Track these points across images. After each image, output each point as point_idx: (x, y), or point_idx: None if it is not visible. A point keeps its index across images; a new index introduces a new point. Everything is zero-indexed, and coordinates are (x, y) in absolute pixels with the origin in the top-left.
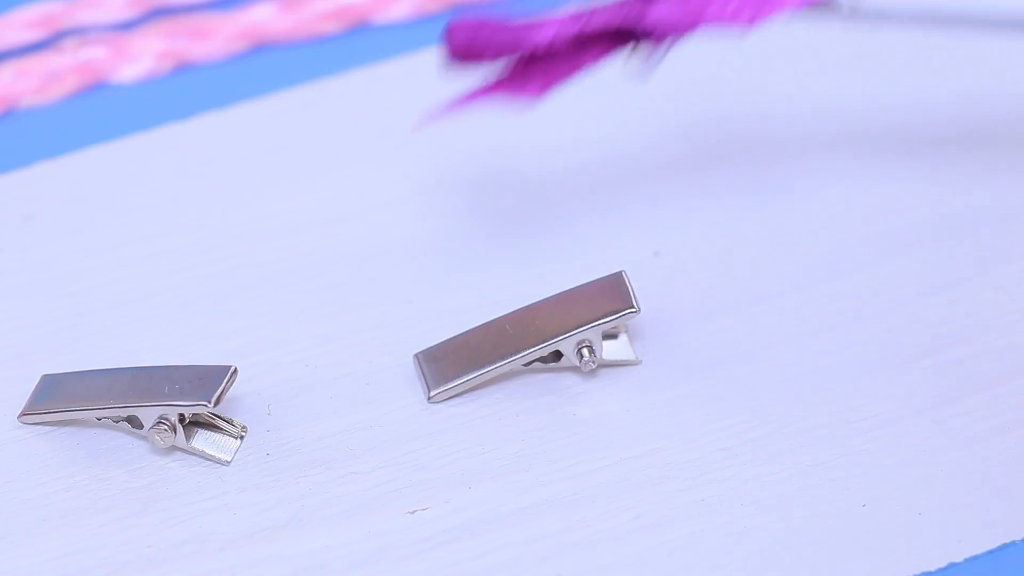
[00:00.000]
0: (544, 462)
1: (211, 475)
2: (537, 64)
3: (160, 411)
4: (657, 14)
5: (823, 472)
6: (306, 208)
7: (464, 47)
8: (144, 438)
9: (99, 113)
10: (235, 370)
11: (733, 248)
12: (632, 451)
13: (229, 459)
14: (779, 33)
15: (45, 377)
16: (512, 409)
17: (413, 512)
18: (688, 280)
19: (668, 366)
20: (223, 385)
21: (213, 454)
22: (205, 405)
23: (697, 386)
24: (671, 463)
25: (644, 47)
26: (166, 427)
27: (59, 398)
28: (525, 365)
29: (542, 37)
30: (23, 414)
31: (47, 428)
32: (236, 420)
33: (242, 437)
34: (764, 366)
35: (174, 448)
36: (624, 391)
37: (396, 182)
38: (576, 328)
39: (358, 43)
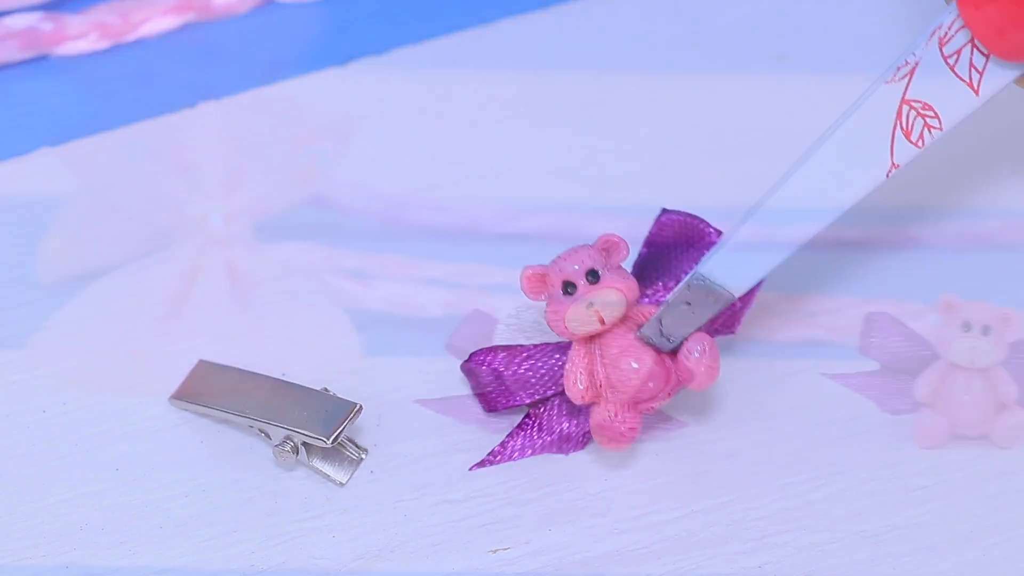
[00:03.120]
0: (621, 508)
1: (320, 492)
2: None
3: (286, 432)
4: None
5: (874, 547)
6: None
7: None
8: (269, 446)
9: None
10: (360, 408)
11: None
12: (703, 504)
13: (344, 481)
14: None
15: (201, 363)
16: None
17: (495, 551)
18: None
19: (749, 412)
20: (344, 424)
21: (330, 475)
22: (323, 441)
23: (775, 434)
24: (737, 520)
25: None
26: (288, 449)
27: (205, 391)
28: None
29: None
30: (174, 397)
31: (186, 417)
32: (359, 442)
33: (361, 459)
34: (841, 415)
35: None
36: (704, 434)
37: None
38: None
39: None
